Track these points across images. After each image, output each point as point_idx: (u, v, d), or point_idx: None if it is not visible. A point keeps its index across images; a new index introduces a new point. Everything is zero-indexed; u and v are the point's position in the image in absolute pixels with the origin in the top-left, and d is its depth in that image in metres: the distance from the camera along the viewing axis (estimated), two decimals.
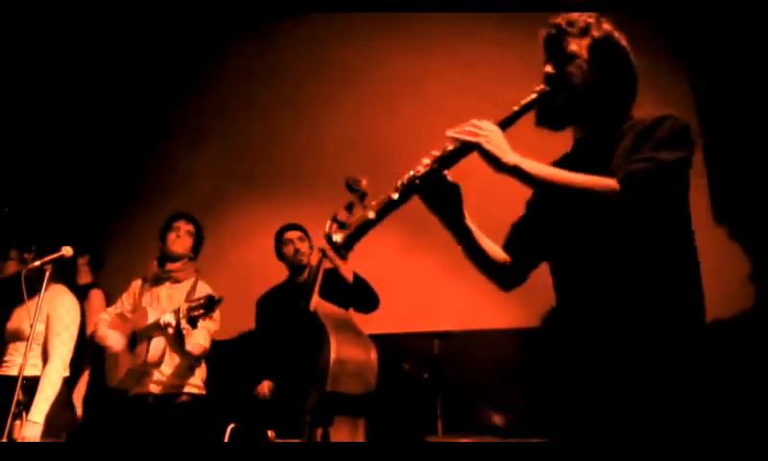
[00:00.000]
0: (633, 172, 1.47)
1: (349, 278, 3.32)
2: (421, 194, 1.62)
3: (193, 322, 3.02)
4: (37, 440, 3.14)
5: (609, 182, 1.47)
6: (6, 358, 3.41)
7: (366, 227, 1.55)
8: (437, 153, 1.60)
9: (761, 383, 3.07)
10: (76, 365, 3.48)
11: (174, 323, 3.06)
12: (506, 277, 1.80)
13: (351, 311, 3.35)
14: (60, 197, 5.15)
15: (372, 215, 1.56)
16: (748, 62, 3.62)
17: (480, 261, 1.78)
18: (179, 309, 3.05)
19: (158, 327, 3.13)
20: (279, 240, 3.71)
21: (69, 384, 3.41)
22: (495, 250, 1.79)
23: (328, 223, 3.22)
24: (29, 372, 3.19)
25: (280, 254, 3.73)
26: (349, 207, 3.21)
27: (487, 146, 1.52)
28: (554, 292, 1.73)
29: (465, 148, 1.56)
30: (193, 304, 3.00)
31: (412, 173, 1.59)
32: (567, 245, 1.66)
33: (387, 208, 1.56)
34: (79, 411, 3.63)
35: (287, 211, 4.05)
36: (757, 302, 3.37)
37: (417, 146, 5.00)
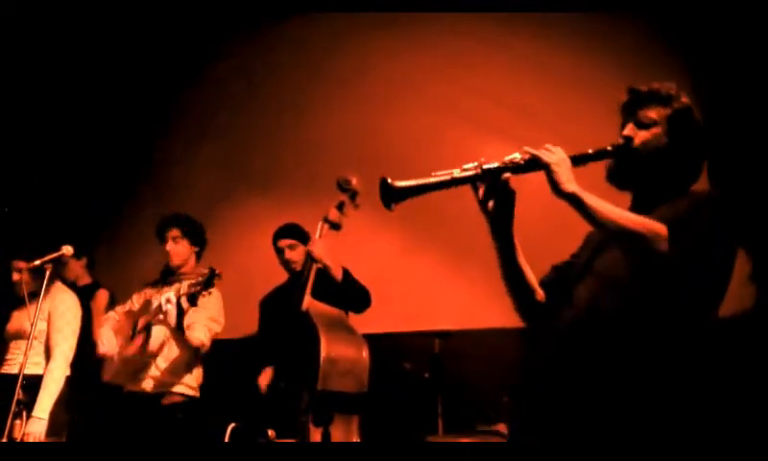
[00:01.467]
0: (682, 225, 1.51)
1: (338, 276, 3.28)
2: (479, 185, 1.68)
3: (193, 298, 3.02)
4: (42, 436, 3.16)
5: (660, 228, 1.50)
6: (8, 357, 3.42)
7: (421, 188, 1.65)
8: (505, 159, 1.67)
9: (762, 383, 3.07)
10: (77, 364, 3.48)
11: (174, 299, 3.06)
12: (532, 310, 1.82)
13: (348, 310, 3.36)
14: (60, 197, 5.15)
15: (430, 180, 1.65)
16: (749, 62, 3.62)
17: (513, 282, 1.80)
18: (180, 287, 3.06)
19: (160, 309, 3.13)
20: (275, 245, 3.69)
21: (71, 383, 3.41)
22: (531, 275, 1.82)
23: (320, 224, 3.23)
24: (31, 370, 3.21)
25: (279, 258, 3.72)
26: (340, 207, 3.20)
27: (555, 168, 1.58)
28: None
29: (533, 163, 1.62)
30: (193, 281, 3.00)
31: (477, 163, 1.66)
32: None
33: (445, 183, 1.65)
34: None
35: (288, 211, 4.05)
36: (758, 302, 3.37)
37: (417, 145, 5.05)
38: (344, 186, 3.22)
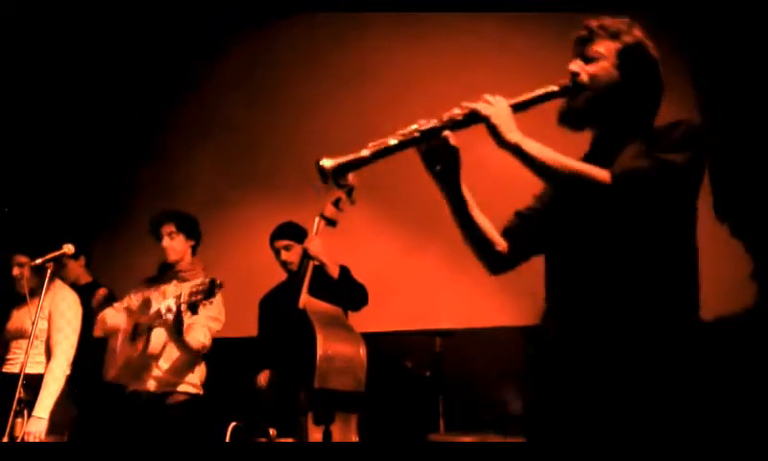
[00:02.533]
0: (629, 169, 1.48)
1: (335, 274, 3.27)
2: (420, 147, 1.66)
3: (194, 307, 2.98)
4: (42, 435, 3.16)
5: (602, 174, 1.48)
6: (9, 356, 3.42)
7: (358, 162, 1.62)
8: (443, 117, 1.63)
9: (763, 382, 3.07)
10: (78, 363, 3.48)
11: (174, 308, 3.05)
12: (496, 260, 1.80)
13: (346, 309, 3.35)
14: (59, 196, 5.15)
15: (365, 153, 1.61)
16: (750, 61, 3.62)
17: (472, 236, 1.78)
18: (180, 294, 3.05)
19: (159, 315, 3.12)
20: (272, 246, 3.69)
21: (72, 382, 3.42)
22: (490, 228, 1.79)
23: (316, 220, 3.22)
24: (32, 369, 3.21)
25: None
26: (336, 203, 3.19)
27: (494, 120, 1.55)
28: (545, 288, 1.73)
29: (472, 116, 1.59)
30: (194, 290, 2.99)
31: (415, 125, 1.62)
32: (563, 240, 1.66)
33: (382, 152, 1.61)
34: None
35: (288, 210, 4.04)
36: (759, 300, 3.36)
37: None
38: (339, 182, 3.21)
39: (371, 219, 4.30)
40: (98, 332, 3.46)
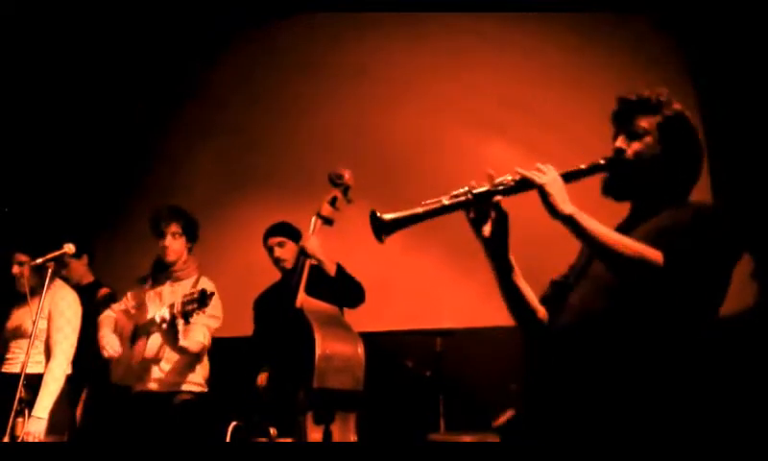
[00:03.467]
0: (681, 252, 1.48)
1: (332, 271, 3.26)
2: (470, 210, 1.68)
3: (187, 316, 2.98)
4: (42, 435, 3.16)
5: (654, 255, 1.47)
6: (8, 356, 3.42)
7: (411, 219, 1.63)
8: (494, 179, 1.65)
9: (763, 381, 3.07)
10: (78, 362, 3.48)
11: (168, 317, 3.04)
12: (535, 329, 1.81)
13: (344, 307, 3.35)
14: (60, 195, 5.15)
15: (419, 210, 1.63)
16: (751, 59, 3.62)
17: (513, 300, 1.80)
18: (173, 304, 3.04)
19: (155, 323, 3.12)
20: (265, 244, 3.68)
21: (72, 382, 3.42)
22: (531, 295, 1.81)
23: (312, 219, 3.21)
24: (32, 369, 3.21)
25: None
26: (333, 202, 3.19)
27: (549, 189, 1.56)
28: (550, 287, 1.76)
29: (525, 183, 1.60)
30: (186, 299, 2.98)
31: (467, 188, 1.64)
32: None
33: (435, 211, 1.63)
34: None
35: (288, 210, 4.04)
36: (759, 299, 3.37)
37: (419, 144, 5.04)
38: (336, 181, 3.21)
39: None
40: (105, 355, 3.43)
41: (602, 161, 1.69)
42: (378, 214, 1.63)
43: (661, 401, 1.46)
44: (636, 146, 1.68)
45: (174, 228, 3.42)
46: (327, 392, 2.80)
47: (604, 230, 1.54)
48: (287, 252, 3.54)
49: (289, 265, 3.45)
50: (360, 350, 2.96)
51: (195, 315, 2.99)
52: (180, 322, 3.03)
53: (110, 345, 3.31)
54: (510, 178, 1.63)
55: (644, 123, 1.69)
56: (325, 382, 2.81)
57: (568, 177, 1.62)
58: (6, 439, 3.00)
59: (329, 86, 4.93)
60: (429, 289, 4.29)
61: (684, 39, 3.92)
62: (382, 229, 1.63)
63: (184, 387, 3.36)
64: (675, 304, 1.50)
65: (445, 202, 1.63)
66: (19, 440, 3.10)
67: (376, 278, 3.50)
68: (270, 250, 3.59)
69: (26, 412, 3.15)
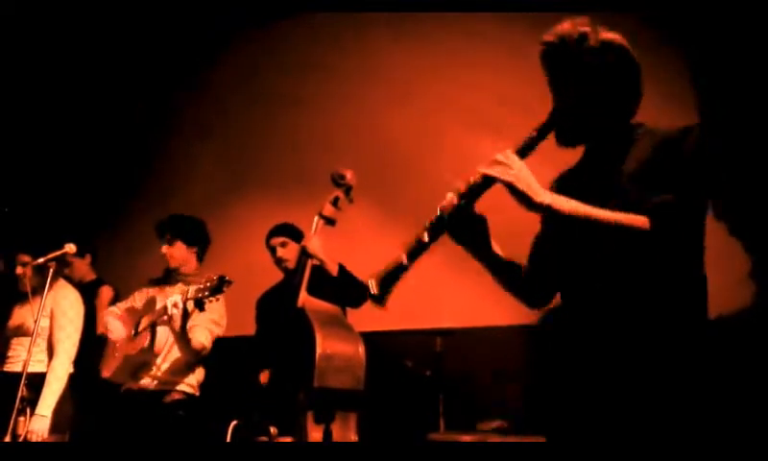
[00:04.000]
0: (663, 209, 1.46)
1: (334, 271, 3.27)
2: (450, 230, 1.64)
3: (200, 304, 2.99)
4: (46, 433, 3.17)
5: (640, 221, 1.45)
6: (10, 354, 3.43)
7: (398, 271, 1.59)
8: (461, 187, 1.60)
9: (762, 381, 3.08)
10: (79, 361, 3.49)
11: (181, 304, 3.05)
12: (533, 295, 1.80)
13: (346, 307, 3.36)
14: (62, 195, 5.16)
15: (404, 259, 1.58)
16: (749, 59, 3.63)
17: (510, 284, 1.78)
18: (187, 291, 3.05)
19: (165, 311, 3.12)
20: (267, 244, 3.70)
21: (73, 380, 3.42)
22: (517, 263, 1.78)
23: (315, 219, 3.22)
24: (34, 368, 3.22)
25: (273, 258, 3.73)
26: (335, 202, 3.19)
27: (519, 185, 1.50)
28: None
29: (490, 182, 1.55)
30: (201, 286, 2.98)
31: (439, 211, 1.60)
32: (579, 259, 1.64)
33: (418, 251, 1.59)
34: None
35: (289, 210, 4.05)
36: (758, 299, 3.37)
37: (419, 143, 5.04)
38: (338, 181, 3.21)
39: (371, 219, 4.30)
40: (101, 330, 3.46)
41: (547, 121, 1.63)
42: (371, 291, 1.59)
43: (661, 401, 1.46)
44: (572, 89, 1.62)
45: (167, 235, 3.45)
46: (328, 391, 2.80)
47: (584, 209, 1.49)
48: (289, 252, 3.55)
49: (291, 265, 3.46)
50: (361, 349, 2.96)
51: (208, 303, 2.99)
52: (192, 310, 3.05)
53: (115, 328, 3.34)
54: (474, 180, 1.57)
55: (573, 62, 1.62)
56: (326, 382, 2.81)
57: (524, 152, 1.58)
58: (8, 438, 3.00)
59: (330, 87, 4.94)
60: (429, 289, 4.28)
61: (683, 39, 3.92)
62: (378, 299, 1.59)
63: (178, 387, 3.36)
64: (663, 265, 1.48)
65: (425, 239, 1.59)
66: (21, 439, 3.11)
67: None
68: (272, 250, 3.61)
69: (27, 411, 3.16)
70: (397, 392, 3.91)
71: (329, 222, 3.20)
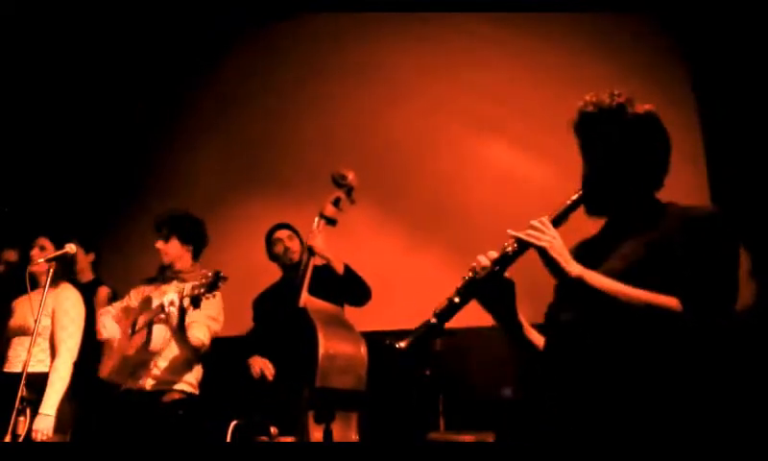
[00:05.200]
0: (698, 292, 1.44)
1: (340, 269, 3.28)
2: (480, 295, 1.65)
3: (196, 300, 2.96)
4: (50, 432, 3.18)
5: (671, 302, 1.44)
6: (10, 354, 3.43)
7: (430, 332, 1.59)
8: (495, 254, 1.61)
9: (762, 381, 3.08)
10: (79, 361, 3.49)
11: (177, 301, 3.04)
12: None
13: (347, 306, 3.36)
14: (62, 196, 5.16)
15: (434, 320, 1.59)
16: (749, 61, 3.63)
17: (526, 350, 1.79)
18: (183, 288, 3.04)
19: (162, 309, 3.11)
20: (269, 240, 3.70)
21: (73, 382, 3.42)
22: (538, 349, 1.79)
23: (316, 219, 3.22)
24: (34, 368, 3.22)
25: (272, 255, 3.71)
26: (336, 202, 3.20)
27: (552, 253, 1.51)
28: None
29: (525, 248, 1.56)
30: (197, 282, 2.96)
31: (472, 274, 1.62)
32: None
33: (449, 312, 1.61)
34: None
35: (289, 210, 4.06)
36: (758, 299, 3.37)
37: (419, 143, 5.04)
38: (339, 182, 3.22)
39: (372, 219, 4.31)
40: (100, 336, 3.46)
41: (579, 192, 1.64)
42: (397, 345, 1.58)
43: (661, 402, 1.46)
44: (605, 158, 1.63)
45: (163, 230, 3.44)
46: (330, 391, 2.80)
47: (615, 286, 1.48)
48: (297, 244, 3.59)
49: (296, 257, 3.47)
50: (363, 349, 2.96)
51: (204, 299, 2.97)
52: (189, 308, 3.04)
53: (108, 327, 3.34)
54: (509, 248, 1.58)
55: (607, 129, 1.63)
56: (328, 382, 2.81)
57: (558, 221, 1.59)
58: (8, 438, 3.00)
59: (330, 87, 4.94)
60: (429, 288, 4.28)
61: (683, 40, 3.93)
62: (406, 357, 1.59)
63: (177, 386, 3.33)
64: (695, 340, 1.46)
65: (456, 300, 1.60)
66: (21, 439, 3.11)
67: (377, 277, 3.51)
68: (276, 243, 3.61)
69: (27, 411, 3.16)
70: (397, 392, 3.91)
71: (330, 222, 3.20)
